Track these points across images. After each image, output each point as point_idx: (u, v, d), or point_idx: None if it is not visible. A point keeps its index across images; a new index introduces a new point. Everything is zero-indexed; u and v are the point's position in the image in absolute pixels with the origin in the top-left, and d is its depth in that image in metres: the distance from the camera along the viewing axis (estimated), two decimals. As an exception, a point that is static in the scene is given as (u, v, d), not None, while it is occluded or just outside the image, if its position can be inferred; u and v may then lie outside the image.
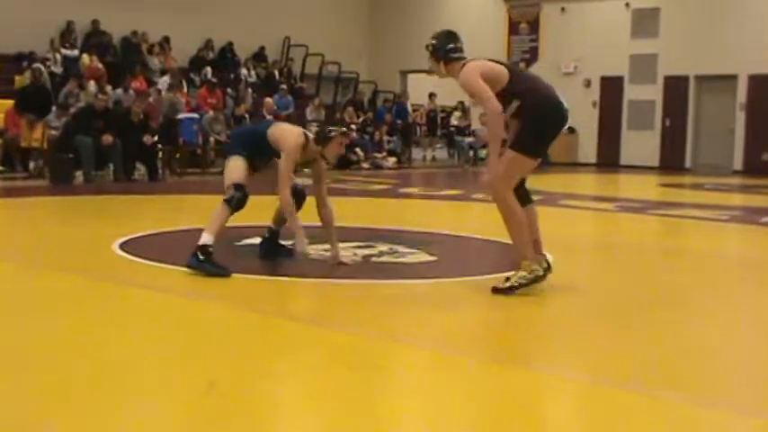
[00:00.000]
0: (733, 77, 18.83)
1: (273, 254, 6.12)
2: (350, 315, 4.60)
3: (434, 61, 5.09)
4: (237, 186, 5.51)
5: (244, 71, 19.51)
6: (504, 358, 3.85)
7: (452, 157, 20.89)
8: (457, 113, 21.31)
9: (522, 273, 4.92)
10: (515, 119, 5.02)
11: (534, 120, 4.93)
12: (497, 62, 5.09)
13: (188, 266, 5.38)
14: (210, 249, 5.36)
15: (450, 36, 5.10)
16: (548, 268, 5.08)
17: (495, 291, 4.96)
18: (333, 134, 5.70)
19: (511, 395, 3.32)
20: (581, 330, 4.46)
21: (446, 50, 5.03)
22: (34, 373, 3.44)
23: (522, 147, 4.92)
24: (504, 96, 4.84)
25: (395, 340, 4.09)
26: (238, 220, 5.66)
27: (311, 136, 5.74)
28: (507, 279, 4.99)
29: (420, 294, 5.17)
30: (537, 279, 4.94)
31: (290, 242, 5.91)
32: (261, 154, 5.70)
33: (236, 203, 5.47)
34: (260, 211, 6.06)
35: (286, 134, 5.69)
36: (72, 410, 3.00)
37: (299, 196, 5.92)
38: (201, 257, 5.34)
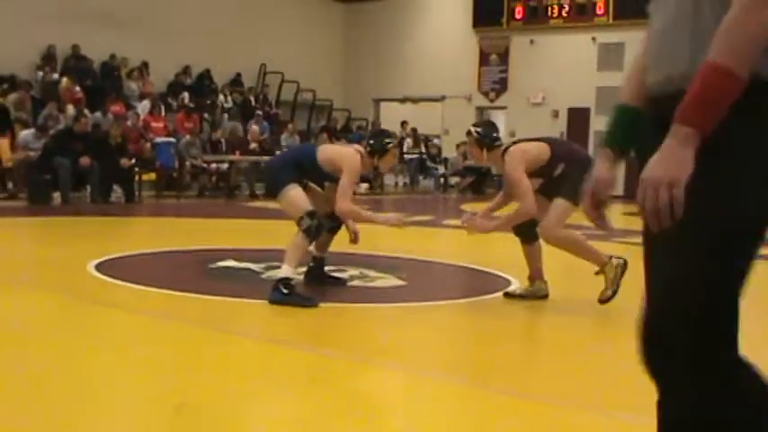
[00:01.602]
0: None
1: (321, 282, 5.99)
2: (321, 337, 4.68)
3: (477, 148, 5.51)
4: (311, 214, 5.34)
5: (221, 97, 19.75)
6: (474, 380, 3.90)
7: (417, 183, 21.20)
8: (409, 140, 21.55)
9: (611, 275, 5.31)
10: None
11: (579, 173, 5.32)
12: (534, 139, 5.59)
13: (272, 302, 5.23)
14: (293, 282, 5.30)
15: (493, 126, 5.68)
16: (545, 296, 5.65)
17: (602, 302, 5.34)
18: (390, 146, 5.60)
19: (481, 417, 3.36)
20: (548, 353, 4.64)
21: (492, 139, 5.48)
22: (4, 391, 3.40)
23: (573, 197, 5.26)
24: (550, 163, 5.41)
25: (366, 362, 4.13)
26: (212, 242, 5.73)
27: (363, 150, 5.58)
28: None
29: (390, 318, 5.24)
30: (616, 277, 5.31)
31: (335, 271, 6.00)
32: (311, 180, 5.58)
33: (315, 232, 5.35)
34: (234, 235, 6.18)
35: (345, 155, 5.52)
36: (43, 430, 2.96)
37: (333, 220, 5.84)
38: (285, 291, 5.22)
